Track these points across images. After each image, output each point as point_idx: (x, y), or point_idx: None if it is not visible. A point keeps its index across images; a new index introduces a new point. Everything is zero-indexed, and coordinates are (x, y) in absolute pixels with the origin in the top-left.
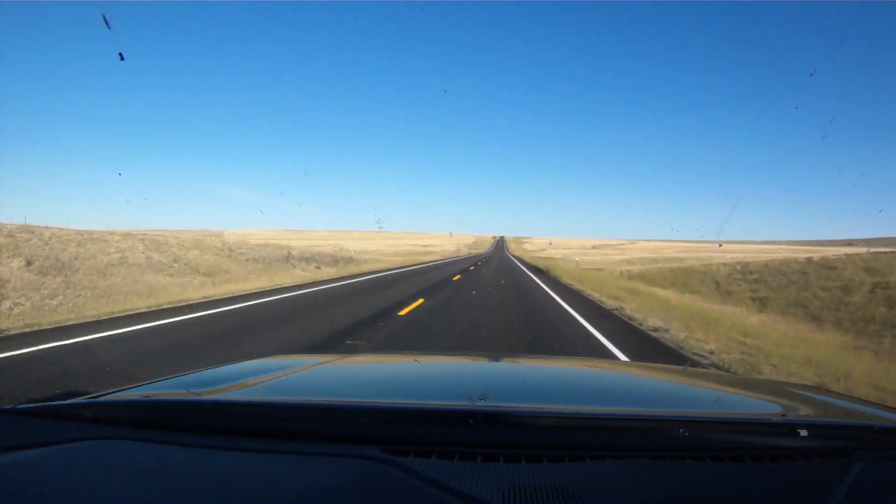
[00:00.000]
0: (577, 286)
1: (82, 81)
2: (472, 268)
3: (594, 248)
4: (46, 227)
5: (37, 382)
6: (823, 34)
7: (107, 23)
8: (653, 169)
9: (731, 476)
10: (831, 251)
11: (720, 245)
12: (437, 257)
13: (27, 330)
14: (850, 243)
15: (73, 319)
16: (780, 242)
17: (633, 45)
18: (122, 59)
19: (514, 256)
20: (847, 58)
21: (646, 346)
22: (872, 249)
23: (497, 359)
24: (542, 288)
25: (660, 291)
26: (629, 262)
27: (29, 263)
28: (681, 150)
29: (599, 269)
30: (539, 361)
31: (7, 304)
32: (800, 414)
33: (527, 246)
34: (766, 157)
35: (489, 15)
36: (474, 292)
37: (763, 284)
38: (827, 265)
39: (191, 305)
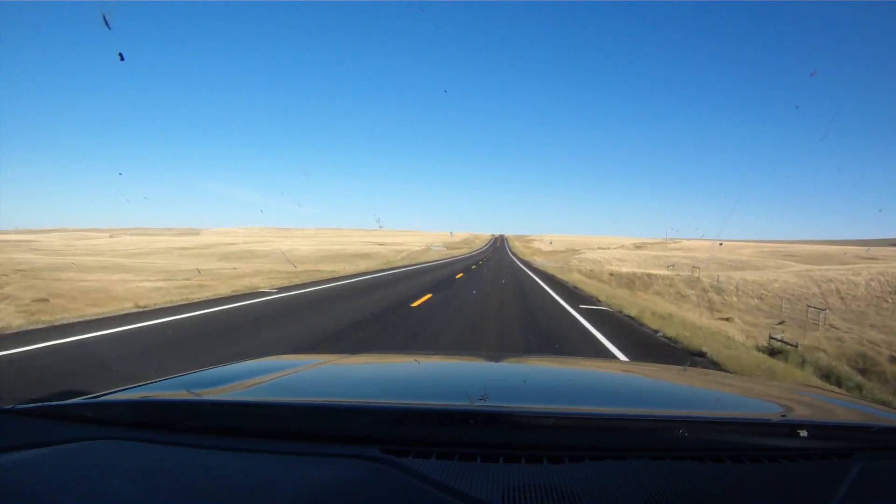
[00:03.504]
0: None
1: (82, 81)
2: None
3: (637, 247)
4: None
5: None
6: (823, 34)
7: (107, 23)
8: (655, 167)
9: (731, 476)
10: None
11: (720, 244)
12: (375, 265)
13: None
14: (894, 243)
15: None
16: (797, 242)
17: (633, 45)
18: (122, 59)
19: (531, 270)
20: (847, 58)
21: None
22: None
23: (497, 359)
24: None
25: None
26: None
27: None
28: (680, 150)
29: None
30: (539, 362)
31: None
32: (800, 414)
33: (537, 244)
34: (766, 156)
35: (489, 15)
36: None
37: None
38: None
39: None
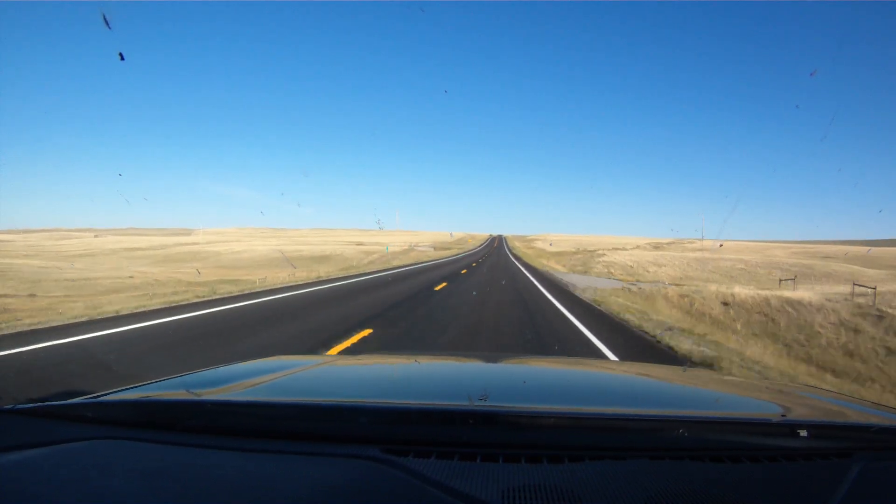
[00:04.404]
0: None
1: (82, 81)
2: None
3: (655, 248)
4: None
5: None
6: (823, 34)
7: (107, 23)
8: (656, 167)
9: (731, 476)
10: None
11: (721, 245)
12: (324, 273)
13: None
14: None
15: None
16: (798, 242)
17: (633, 46)
18: (123, 59)
19: (563, 302)
20: (847, 58)
21: None
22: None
23: (497, 359)
24: None
25: None
26: None
27: None
28: (680, 149)
29: None
30: (539, 362)
31: None
32: (800, 414)
33: (540, 245)
34: (765, 156)
35: (489, 15)
36: None
37: None
38: None
39: None
